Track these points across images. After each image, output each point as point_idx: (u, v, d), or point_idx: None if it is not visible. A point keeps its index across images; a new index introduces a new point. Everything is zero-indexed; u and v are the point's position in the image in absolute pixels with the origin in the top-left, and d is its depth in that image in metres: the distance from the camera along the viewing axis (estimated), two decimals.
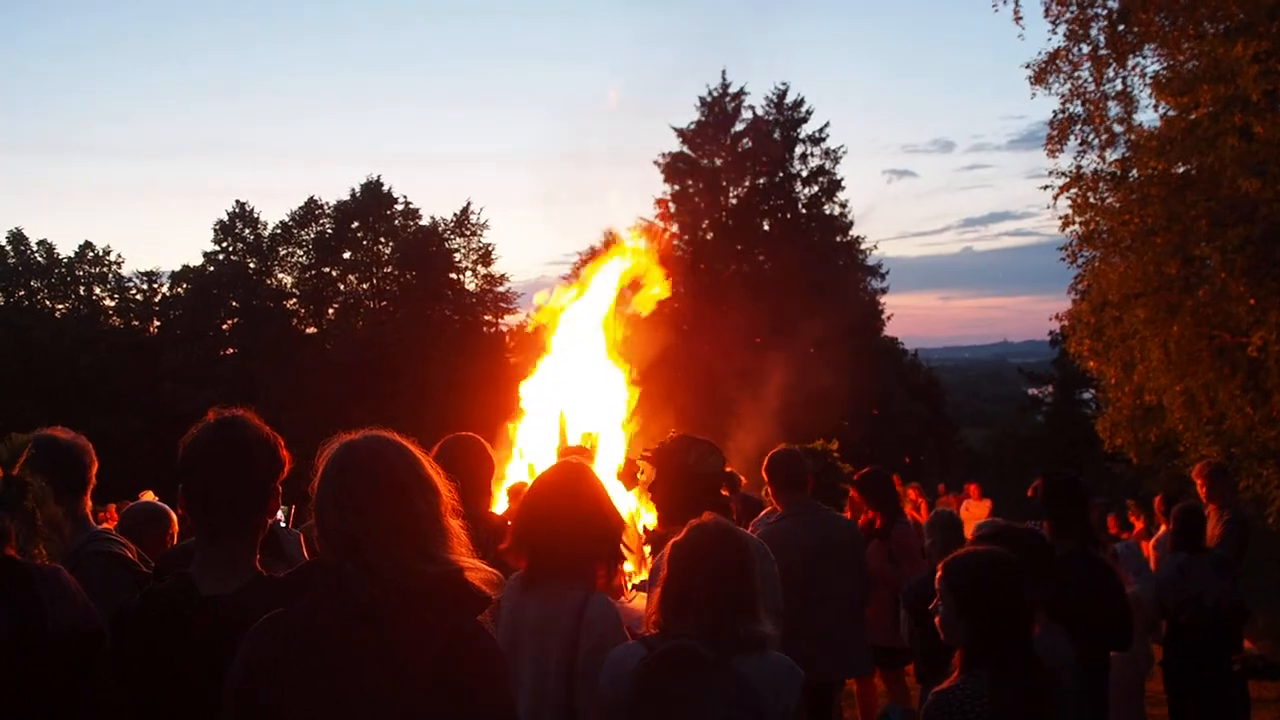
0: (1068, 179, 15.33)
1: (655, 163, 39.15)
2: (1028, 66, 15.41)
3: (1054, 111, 15.58)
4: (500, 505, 7.03)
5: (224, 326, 44.02)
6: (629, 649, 2.86)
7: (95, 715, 2.36)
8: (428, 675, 1.95)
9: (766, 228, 39.78)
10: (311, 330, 44.41)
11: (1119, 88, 14.85)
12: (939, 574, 3.05)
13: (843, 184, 40.09)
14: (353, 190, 43.79)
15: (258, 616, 2.06)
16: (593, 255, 39.31)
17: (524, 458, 8.39)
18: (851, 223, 40.45)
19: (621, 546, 3.22)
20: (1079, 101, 15.22)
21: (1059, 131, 15.49)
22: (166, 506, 4.61)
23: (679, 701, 2.67)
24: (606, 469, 5.98)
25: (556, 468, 3.43)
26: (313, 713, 1.94)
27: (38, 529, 2.48)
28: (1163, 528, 8.79)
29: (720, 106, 39.34)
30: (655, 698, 2.68)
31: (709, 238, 38.68)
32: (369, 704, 1.93)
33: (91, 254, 43.19)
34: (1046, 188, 15.57)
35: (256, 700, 1.97)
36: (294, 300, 44.83)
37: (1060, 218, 15.59)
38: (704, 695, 2.66)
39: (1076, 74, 15.06)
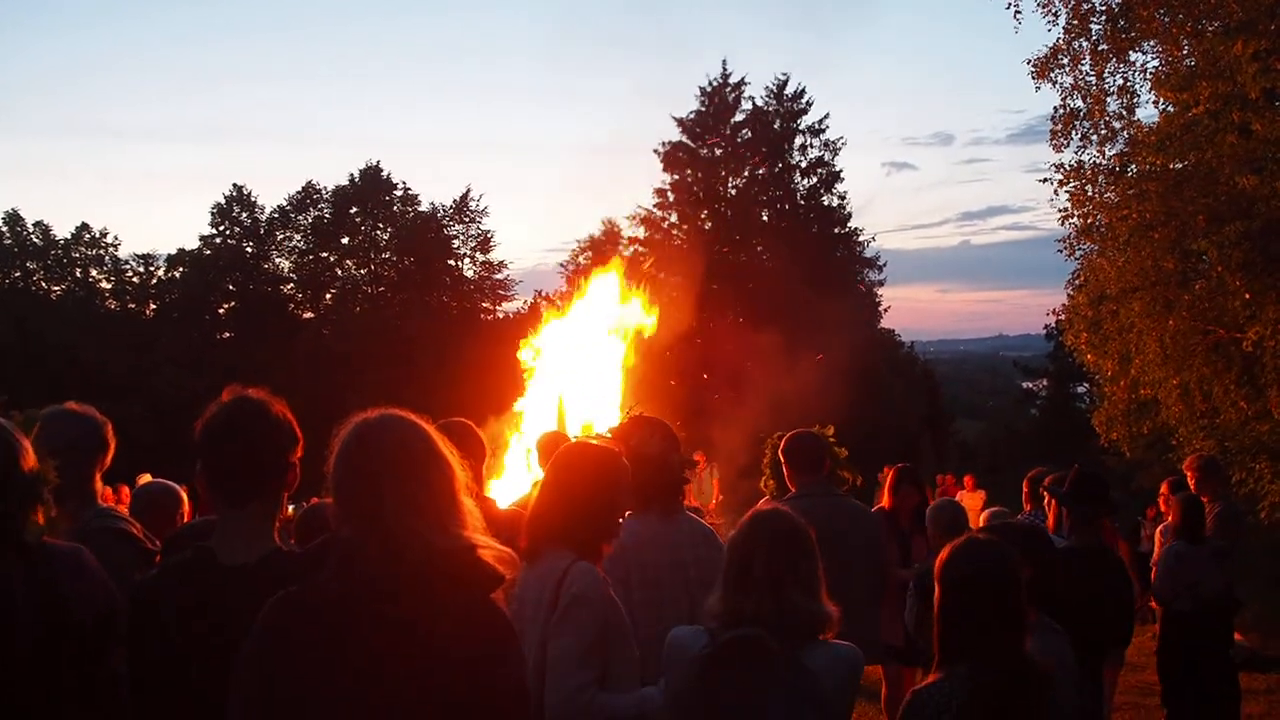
0: (1068, 172, 15.37)
1: (655, 152, 39.16)
2: (1029, 62, 15.40)
3: (1055, 107, 15.61)
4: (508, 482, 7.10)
5: (220, 310, 43.97)
6: (691, 633, 2.88)
7: (117, 693, 2.38)
8: (440, 651, 1.98)
9: (765, 218, 39.79)
10: (309, 315, 44.35)
11: (1119, 83, 14.88)
12: (936, 562, 2.97)
13: (842, 175, 40.15)
14: (351, 175, 43.77)
15: (279, 588, 2.10)
16: (591, 244, 39.42)
17: (523, 442, 8.44)
18: (850, 214, 40.53)
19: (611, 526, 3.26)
20: (1079, 95, 15.24)
21: (1063, 126, 15.50)
22: (177, 486, 4.61)
23: (741, 692, 2.67)
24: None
25: (566, 449, 3.45)
26: (326, 686, 1.97)
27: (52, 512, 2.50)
28: (1169, 516, 8.82)
29: (720, 96, 39.27)
30: (718, 687, 2.69)
31: (708, 227, 38.67)
32: (382, 678, 1.96)
33: (88, 236, 42.97)
34: (1045, 180, 15.61)
35: (270, 674, 2.00)
36: (291, 285, 44.77)
37: (1060, 210, 15.65)
38: (767, 687, 2.67)
39: (1078, 68, 15.07)
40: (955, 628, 2.77)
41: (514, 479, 7.72)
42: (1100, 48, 14.68)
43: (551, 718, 2.94)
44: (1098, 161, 15.33)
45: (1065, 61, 14.97)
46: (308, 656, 1.98)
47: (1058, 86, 15.29)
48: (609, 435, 4.27)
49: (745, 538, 2.89)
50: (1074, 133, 15.41)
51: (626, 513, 3.77)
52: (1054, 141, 15.62)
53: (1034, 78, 15.34)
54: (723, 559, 2.95)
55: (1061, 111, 15.43)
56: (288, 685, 1.98)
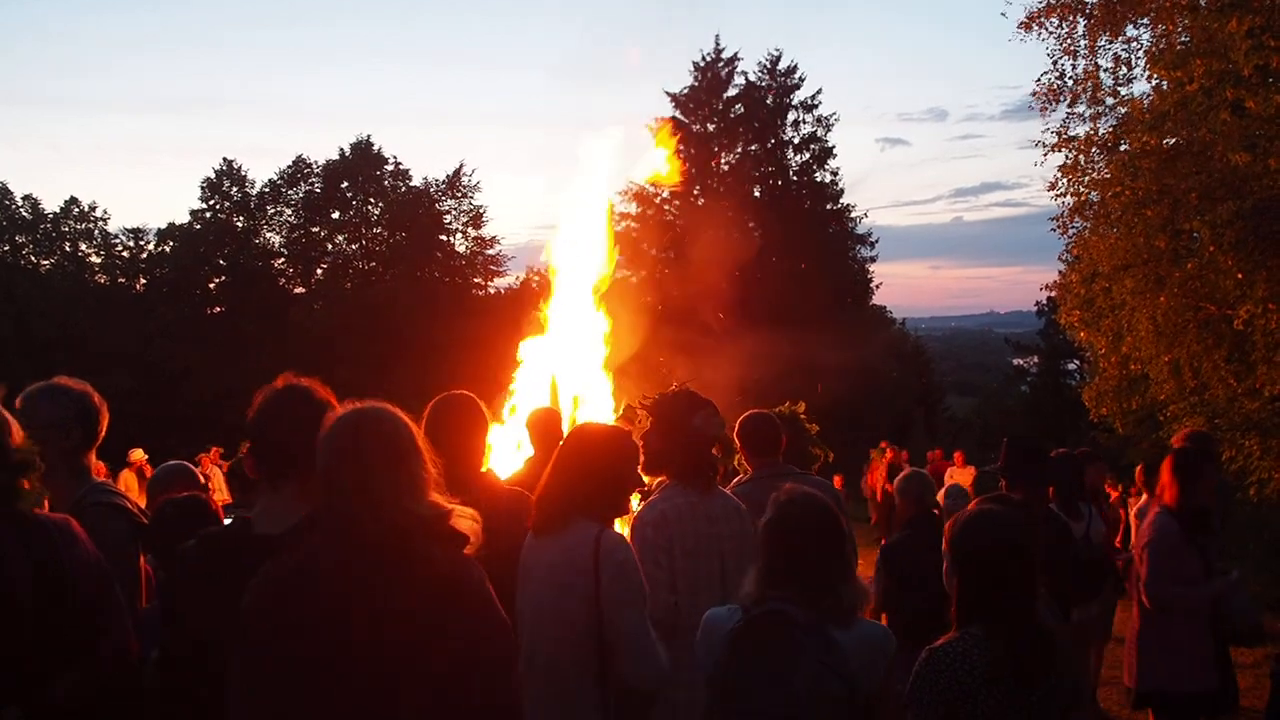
0: (1059, 138, 15.33)
1: (647, 127, 38.97)
2: (1026, 15, 15.25)
3: (1044, 71, 15.55)
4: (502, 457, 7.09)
5: (211, 285, 43.84)
6: (726, 612, 2.99)
7: (108, 663, 2.41)
8: (425, 602, 2.23)
9: (757, 194, 39.71)
10: (300, 290, 44.22)
11: (1113, 59, 14.83)
12: (946, 529, 3.08)
13: (834, 151, 40.02)
14: (342, 150, 43.61)
15: None
16: (582, 219, 39.37)
17: (516, 416, 8.44)
18: (842, 190, 40.47)
19: (627, 501, 3.52)
20: (1069, 60, 15.15)
21: (1049, 90, 15.41)
22: (193, 466, 4.63)
23: (770, 663, 2.76)
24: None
25: (587, 429, 3.65)
26: (322, 643, 2.17)
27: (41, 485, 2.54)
28: (1144, 496, 8.88)
29: (713, 71, 39.13)
30: (748, 658, 2.80)
31: (699, 203, 38.61)
32: (370, 631, 2.18)
33: (77, 210, 42.81)
34: (1039, 144, 15.56)
35: (267, 634, 2.19)
36: (282, 260, 44.64)
37: (1051, 179, 15.61)
38: (796, 658, 2.75)
39: (1070, 36, 14.97)
40: (972, 593, 2.91)
41: (504, 455, 7.72)
42: (1094, 16, 14.59)
43: (646, 684, 3.20)
44: (1091, 133, 15.30)
45: (1056, 19, 14.86)
46: (304, 616, 2.19)
47: (1041, 39, 15.18)
48: (647, 410, 4.45)
49: (779, 526, 2.95)
50: (1062, 98, 15.36)
51: (666, 484, 4.04)
52: (1038, 102, 15.56)
53: (1020, 28, 15.23)
54: (756, 539, 3.08)
55: (1053, 77, 15.36)
56: (285, 644, 2.18)
